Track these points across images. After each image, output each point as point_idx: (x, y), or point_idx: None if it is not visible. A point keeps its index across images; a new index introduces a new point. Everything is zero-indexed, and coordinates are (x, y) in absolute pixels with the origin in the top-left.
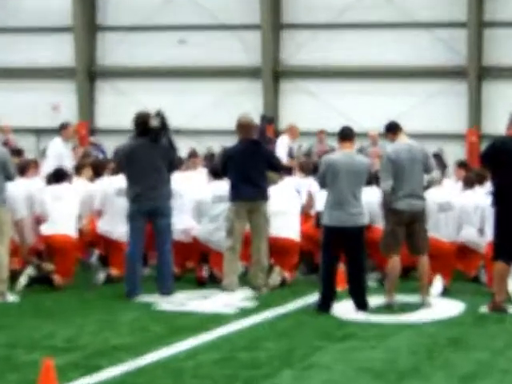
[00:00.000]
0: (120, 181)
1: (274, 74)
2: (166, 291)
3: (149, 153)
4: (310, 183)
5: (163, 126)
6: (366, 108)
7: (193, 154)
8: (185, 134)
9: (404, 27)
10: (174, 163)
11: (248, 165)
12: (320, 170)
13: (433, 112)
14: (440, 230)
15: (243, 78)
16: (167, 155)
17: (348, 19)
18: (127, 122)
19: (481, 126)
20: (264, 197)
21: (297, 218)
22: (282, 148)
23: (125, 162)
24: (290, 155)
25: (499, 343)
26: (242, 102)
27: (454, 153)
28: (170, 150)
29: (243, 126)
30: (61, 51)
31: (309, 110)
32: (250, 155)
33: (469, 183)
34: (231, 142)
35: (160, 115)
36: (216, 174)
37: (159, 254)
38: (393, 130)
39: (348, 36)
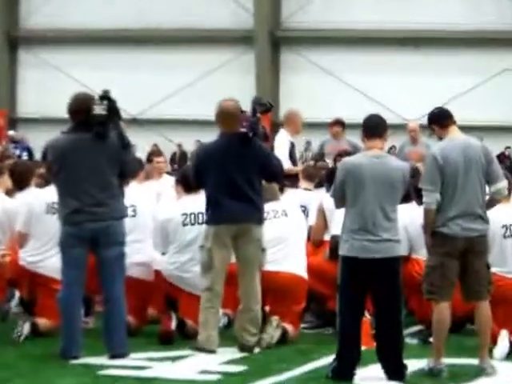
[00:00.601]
0: (52, 193)
1: (272, 41)
2: (117, 351)
3: (91, 153)
4: (322, 197)
5: (111, 114)
6: (403, 90)
7: (155, 154)
8: (143, 125)
9: None
10: (128, 168)
11: (233, 171)
12: (336, 180)
13: (500, 96)
14: (508, 264)
15: (229, 46)
16: (117, 156)
17: None
18: (60, 107)
19: None
20: (257, 217)
21: (303, 246)
22: (282, 147)
23: (57, 167)
24: (292, 156)
25: None
26: (226, 81)
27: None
28: (121, 148)
29: (226, 115)
30: None
31: (320, 91)
32: (237, 157)
33: None
34: (210, 137)
35: (107, 99)
36: (188, 184)
37: (107, 298)
38: (440, 120)
39: None
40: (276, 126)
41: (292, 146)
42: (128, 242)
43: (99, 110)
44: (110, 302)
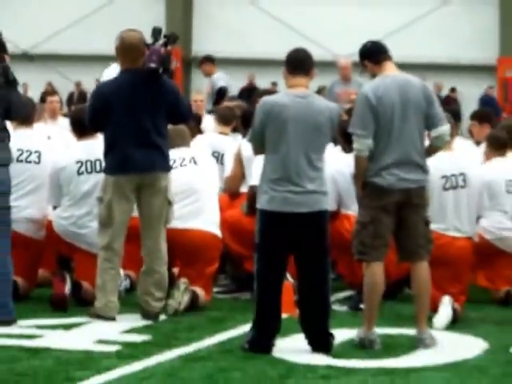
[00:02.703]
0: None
1: None
2: (1, 317)
3: None
4: (239, 143)
5: None
6: (334, 23)
7: (48, 93)
8: (36, 60)
9: None
10: (14, 108)
11: (138, 112)
12: (254, 122)
13: (441, 31)
14: (447, 221)
15: None
16: (1, 96)
17: None
18: None
19: None
20: (163, 166)
21: (215, 198)
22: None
23: None
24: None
25: None
26: (131, 11)
27: (476, 95)
28: (5, 85)
29: (129, 48)
30: None
31: (235, 24)
32: (140, 96)
33: (497, 145)
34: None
35: None
36: (83, 126)
37: None
38: (375, 55)
39: None
40: (188, 64)
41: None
42: (26, 192)
43: (157, 45)
44: None
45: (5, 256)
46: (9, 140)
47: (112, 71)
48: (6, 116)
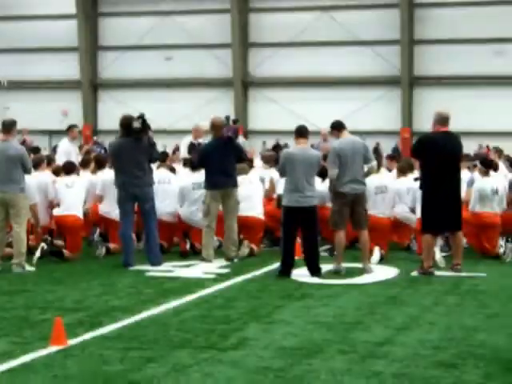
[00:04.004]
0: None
1: (243, 84)
2: (154, 261)
3: (132, 149)
4: (272, 172)
5: (144, 127)
6: (318, 111)
7: (177, 150)
8: (170, 133)
9: (349, 44)
10: (153, 156)
11: (221, 158)
12: (280, 162)
13: (373, 114)
14: (378, 209)
15: (218, 87)
16: (147, 150)
17: (303, 38)
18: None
19: (412, 125)
20: (234, 184)
21: (261, 200)
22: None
23: (113, 157)
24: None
25: (428, 301)
26: (217, 108)
27: (390, 147)
28: (149, 146)
29: (216, 126)
30: (69, 67)
31: (272, 114)
32: (223, 150)
33: (402, 170)
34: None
35: (141, 118)
36: (193, 166)
37: (146, 232)
38: (337, 127)
39: (304, 52)
40: (246, 133)
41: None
42: (162, 199)
43: (136, 124)
44: (148, 234)
45: (155, 229)
46: (151, 172)
47: (187, 139)
48: (150, 161)
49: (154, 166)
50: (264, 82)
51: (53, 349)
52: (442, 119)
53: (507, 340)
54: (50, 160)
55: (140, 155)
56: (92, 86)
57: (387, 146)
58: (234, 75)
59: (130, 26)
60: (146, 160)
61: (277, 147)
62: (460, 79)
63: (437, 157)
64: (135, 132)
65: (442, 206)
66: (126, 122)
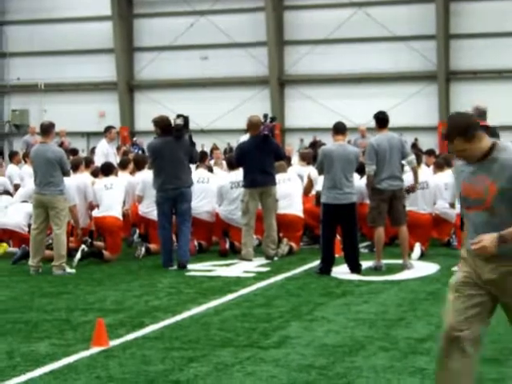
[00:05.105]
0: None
1: (279, 83)
2: (181, 262)
3: (173, 148)
4: (310, 170)
5: (185, 125)
6: (355, 108)
7: (215, 148)
8: (208, 133)
9: (385, 40)
10: (194, 156)
11: (259, 156)
12: (319, 159)
13: (410, 109)
14: (418, 205)
15: (254, 86)
16: (188, 150)
17: (339, 35)
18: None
19: None
20: (273, 182)
21: (300, 198)
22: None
23: (153, 157)
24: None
25: None
26: (253, 106)
27: (429, 142)
28: (190, 145)
29: (253, 124)
30: (105, 68)
31: (308, 111)
32: (261, 148)
33: (439, 166)
34: (245, 138)
35: (183, 116)
36: (232, 164)
37: (179, 233)
38: (378, 123)
39: (339, 49)
40: (283, 131)
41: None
42: (201, 199)
43: (178, 121)
44: (180, 235)
45: (188, 230)
46: (191, 173)
47: (244, 138)
48: (190, 161)
49: (192, 166)
50: (300, 79)
51: (95, 350)
52: (480, 113)
53: None
54: (88, 162)
55: (181, 155)
56: (128, 88)
57: (426, 142)
58: (270, 73)
59: (164, 27)
60: (186, 159)
61: (314, 144)
62: (496, 73)
63: None
64: (177, 130)
65: None
66: (164, 122)
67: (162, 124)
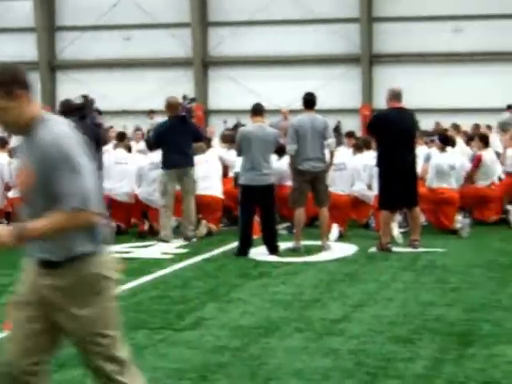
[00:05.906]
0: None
1: (203, 64)
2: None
3: (178, 130)
4: (230, 152)
5: (86, 105)
6: (279, 90)
7: (136, 130)
8: (131, 113)
9: (306, 23)
10: (101, 138)
11: (177, 137)
12: (237, 140)
13: (333, 92)
14: (336, 186)
15: (178, 67)
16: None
17: (261, 17)
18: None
19: (372, 102)
20: (191, 163)
21: (219, 179)
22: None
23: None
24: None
25: (385, 277)
26: (177, 88)
27: (353, 124)
28: (95, 126)
29: (171, 105)
30: (26, 48)
31: (232, 93)
32: (179, 129)
33: (358, 148)
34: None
35: (84, 96)
36: (150, 146)
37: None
38: (304, 103)
39: (263, 31)
40: (206, 113)
41: None
42: (119, 179)
43: (77, 101)
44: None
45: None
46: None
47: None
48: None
49: (107, 148)
50: (224, 61)
51: None
52: (395, 95)
53: (463, 314)
54: (4, 142)
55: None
56: (50, 67)
57: (350, 124)
58: (194, 55)
59: (87, 6)
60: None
61: (237, 126)
62: (419, 56)
63: (391, 133)
64: (77, 109)
65: (397, 182)
66: (65, 105)
67: (63, 108)
